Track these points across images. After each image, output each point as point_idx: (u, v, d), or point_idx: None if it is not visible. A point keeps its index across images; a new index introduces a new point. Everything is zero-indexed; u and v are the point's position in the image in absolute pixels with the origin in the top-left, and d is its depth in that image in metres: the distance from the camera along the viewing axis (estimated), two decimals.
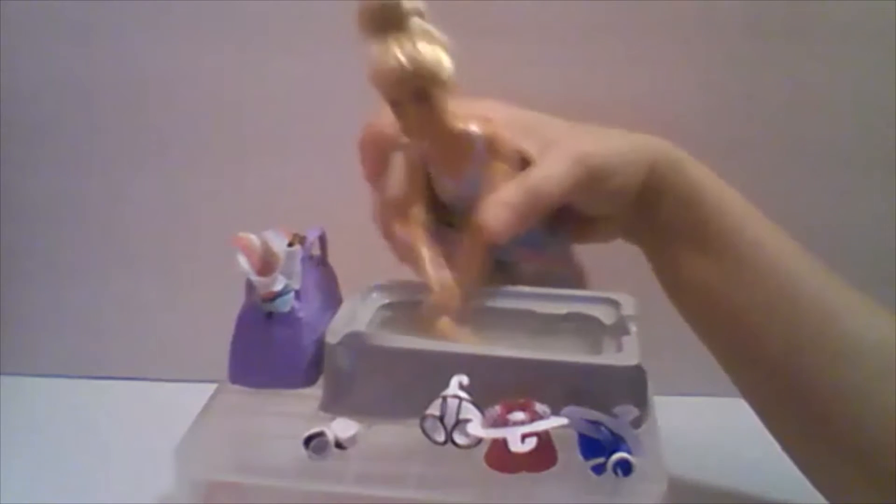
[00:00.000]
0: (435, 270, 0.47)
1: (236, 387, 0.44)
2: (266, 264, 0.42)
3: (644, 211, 0.51)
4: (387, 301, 0.49)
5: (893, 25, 0.67)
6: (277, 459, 0.40)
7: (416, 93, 0.44)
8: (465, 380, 0.40)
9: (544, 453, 0.38)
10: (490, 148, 0.48)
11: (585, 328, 0.48)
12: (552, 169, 0.48)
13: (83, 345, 0.76)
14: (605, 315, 0.48)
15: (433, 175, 0.49)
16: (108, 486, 0.60)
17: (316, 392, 0.44)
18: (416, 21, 0.44)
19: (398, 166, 0.50)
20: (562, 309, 0.48)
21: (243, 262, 0.42)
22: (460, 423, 0.39)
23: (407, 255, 0.49)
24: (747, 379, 0.51)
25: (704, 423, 0.69)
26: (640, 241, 0.54)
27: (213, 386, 0.45)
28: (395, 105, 0.45)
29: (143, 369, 0.76)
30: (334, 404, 0.43)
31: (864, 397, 0.45)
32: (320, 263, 0.48)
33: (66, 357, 0.76)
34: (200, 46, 0.69)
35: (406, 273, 0.50)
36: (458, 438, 0.39)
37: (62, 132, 0.72)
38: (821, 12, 0.67)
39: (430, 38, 0.44)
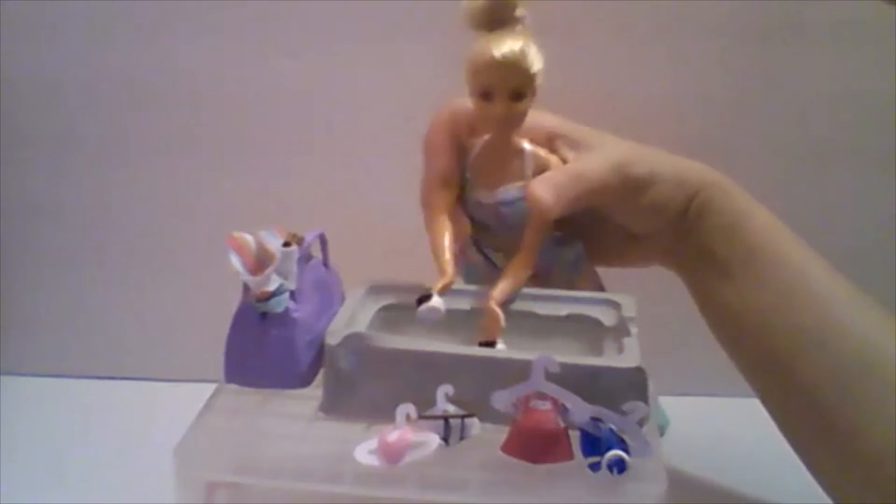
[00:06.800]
0: (448, 261, 0.48)
1: (236, 387, 0.44)
2: (261, 264, 0.42)
3: (686, 234, 0.51)
4: (387, 302, 0.49)
5: (893, 25, 0.67)
6: (277, 459, 0.40)
7: (514, 88, 0.47)
8: (450, 390, 0.40)
9: (561, 446, 0.39)
10: (538, 172, 0.49)
11: (586, 330, 0.48)
12: (592, 165, 0.49)
13: (83, 345, 0.76)
14: (605, 316, 0.48)
15: (469, 179, 0.51)
16: (107, 486, 0.60)
17: (316, 393, 0.44)
18: (522, 27, 0.47)
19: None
20: (562, 310, 0.48)
21: (235, 261, 0.42)
22: (465, 438, 0.40)
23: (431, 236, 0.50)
24: (781, 402, 0.51)
25: (704, 423, 0.69)
26: (678, 266, 0.54)
27: (213, 386, 0.45)
28: (486, 96, 0.47)
29: (143, 369, 0.76)
30: (335, 405, 0.43)
31: None
32: (321, 265, 0.48)
33: (66, 357, 0.76)
34: (201, 46, 0.69)
35: (405, 274, 0.50)
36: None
37: (62, 132, 0.72)
38: (821, 12, 0.67)
39: (533, 45, 0.47)
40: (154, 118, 0.71)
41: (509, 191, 0.50)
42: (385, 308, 0.49)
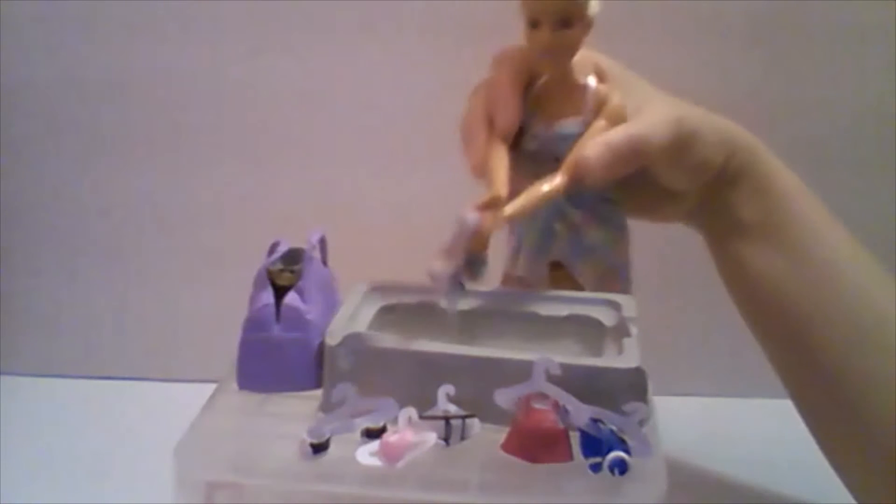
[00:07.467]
0: (500, 183, 0.47)
1: (236, 387, 0.44)
2: None
3: (715, 194, 0.51)
4: (387, 302, 0.49)
5: (893, 25, 0.67)
6: (277, 459, 0.40)
7: (562, 17, 0.46)
8: (451, 390, 0.40)
9: (561, 446, 0.39)
10: (598, 108, 0.49)
11: (586, 330, 0.48)
12: (655, 123, 0.48)
13: (83, 345, 0.76)
14: (605, 317, 0.48)
15: (526, 113, 0.50)
16: (107, 486, 0.60)
17: (315, 392, 0.44)
18: None
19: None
20: (563, 311, 0.48)
21: None
22: (466, 438, 0.40)
23: (483, 164, 0.49)
24: (796, 370, 0.51)
25: (704, 423, 0.69)
26: (703, 226, 0.54)
27: (213, 386, 0.45)
28: (534, 24, 0.46)
29: (143, 369, 0.76)
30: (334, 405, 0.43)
31: None
32: (322, 265, 0.48)
33: (66, 357, 0.76)
34: (203, 46, 0.69)
35: (405, 274, 0.50)
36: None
37: (62, 132, 0.72)
38: (821, 12, 0.67)
39: None
40: (156, 118, 0.72)
41: (568, 125, 0.49)
42: (385, 308, 0.49)
